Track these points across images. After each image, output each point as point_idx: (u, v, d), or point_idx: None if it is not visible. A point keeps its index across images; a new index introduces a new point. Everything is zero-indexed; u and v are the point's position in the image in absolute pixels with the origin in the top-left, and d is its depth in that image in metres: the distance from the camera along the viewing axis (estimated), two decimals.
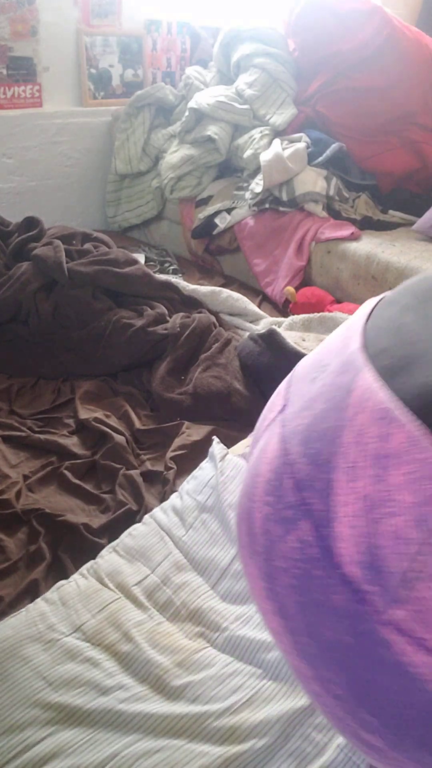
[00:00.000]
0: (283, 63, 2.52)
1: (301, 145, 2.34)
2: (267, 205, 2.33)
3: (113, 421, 1.52)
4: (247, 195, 2.39)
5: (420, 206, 2.38)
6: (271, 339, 1.57)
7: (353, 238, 2.19)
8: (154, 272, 2.09)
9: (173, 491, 1.28)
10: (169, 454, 1.41)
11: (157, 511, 1.18)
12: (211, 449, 1.30)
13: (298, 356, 1.50)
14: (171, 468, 1.37)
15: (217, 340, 1.75)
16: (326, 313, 1.83)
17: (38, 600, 1.00)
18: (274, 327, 1.63)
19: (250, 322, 1.97)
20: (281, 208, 2.31)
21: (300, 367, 0.44)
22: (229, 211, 2.40)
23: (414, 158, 2.43)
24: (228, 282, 2.40)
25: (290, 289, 2.14)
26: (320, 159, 2.34)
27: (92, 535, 1.20)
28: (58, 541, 1.22)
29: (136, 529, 1.14)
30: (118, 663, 0.90)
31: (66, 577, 1.07)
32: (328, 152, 2.34)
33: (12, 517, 1.25)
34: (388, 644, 0.30)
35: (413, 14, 3.19)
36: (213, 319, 1.84)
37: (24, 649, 0.90)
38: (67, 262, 1.82)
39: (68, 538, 1.21)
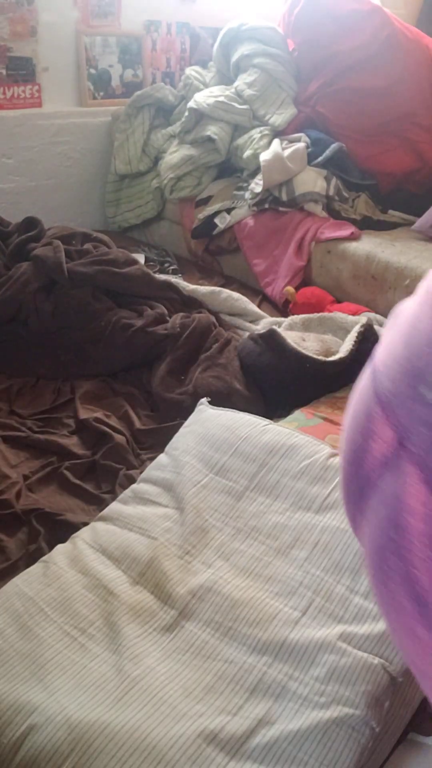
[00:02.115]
0: (282, 63, 2.52)
1: (301, 145, 2.34)
2: (267, 205, 2.32)
3: (113, 421, 1.52)
4: (247, 195, 2.39)
5: (419, 206, 2.38)
6: (271, 339, 1.57)
7: (353, 237, 2.18)
8: (154, 272, 2.09)
9: None
10: None
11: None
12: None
13: (298, 356, 1.49)
14: None
15: (217, 340, 1.74)
16: (326, 313, 1.83)
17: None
18: (274, 327, 1.63)
19: (250, 322, 1.96)
20: (281, 208, 2.31)
21: None
22: (228, 211, 2.40)
23: (414, 158, 2.43)
24: (228, 282, 2.39)
25: (290, 289, 2.14)
26: (320, 159, 2.34)
27: None
28: (58, 541, 1.21)
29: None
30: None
31: None
32: (327, 152, 2.34)
33: (12, 517, 1.25)
34: None
35: (413, 14, 3.18)
36: (213, 319, 1.84)
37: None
38: (66, 263, 1.82)
39: (68, 538, 1.21)
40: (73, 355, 1.75)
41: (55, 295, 1.79)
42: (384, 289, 2.08)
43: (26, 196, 2.64)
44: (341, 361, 1.47)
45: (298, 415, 1.37)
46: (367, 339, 1.55)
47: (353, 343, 1.50)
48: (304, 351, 1.51)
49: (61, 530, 1.22)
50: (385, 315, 2.03)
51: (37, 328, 1.76)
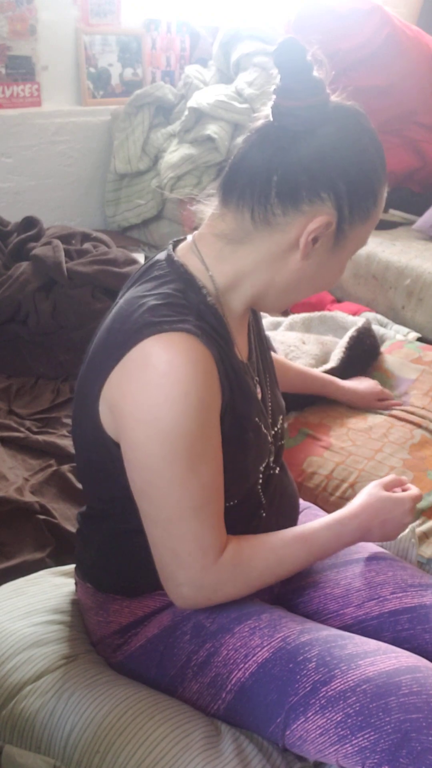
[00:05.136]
0: None
1: None
2: None
3: None
4: None
5: (420, 205, 2.37)
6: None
7: None
8: None
9: None
10: None
11: None
12: None
13: None
14: None
15: None
16: (327, 312, 1.82)
17: None
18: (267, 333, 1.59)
19: None
20: None
21: None
22: None
23: (414, 157, 2.43)
24: None
25: None
26: None
27: None
28: (58, 540, 1.21)
29: None
30: None
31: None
32: None
33: (13, 513, 1.24)
34: None
35: (413, 13, 3.18)
36: None
37: None
38: (66, 262, 1.81)
39: (66, 544, 1.21)
40: (73, 354, 1.74)
41: (54, 295, 1.78)
42: (384, 288, 2.07)
43: (26, 195, 2.64)
44: (330, 371, 1.41)
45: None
46: (362, 342, 1.52)
47: (343, 350, 1.46)
48: (302, 354, 1.49)
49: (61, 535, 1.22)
50: (386, 315, 2.02)
51: (37, 327, 1.75)
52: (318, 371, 1.34)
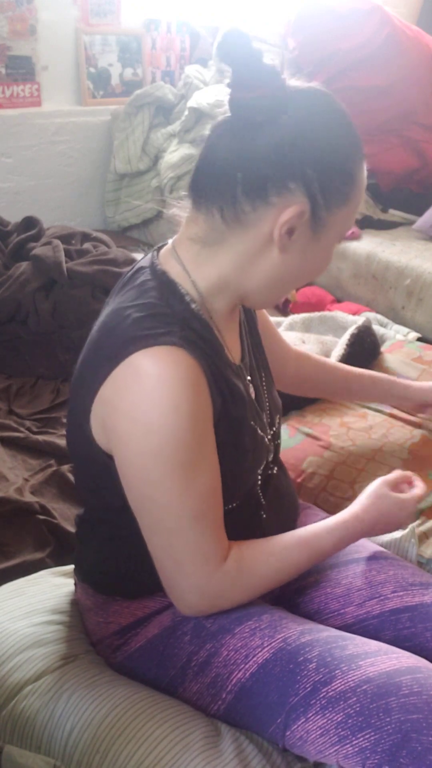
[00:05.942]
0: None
1: None
2: None
3: None
4: None
5: (420, 205, 2.37)
6: None
7: (353, 237, 2.18)
8: None
9: None
10: None
11: None
12: None
13: None
14: None
15: None
16: (327, 312, 1.82)
17: None
18: None
19: None
20: None
21: None
22: None
23: (414, 157, 2.42)
24: None
25: None
26: None
27: None
28: (58, 540, 1.21)
29: None
30: None
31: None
32: None
33: (13, 513, 1.24)
34: None
35: (413, 13, 3.18)
36: None
37: None
38: (66, 262, 1.81)
39: (66, 544, 1.21)
40: (73, 355, 1.74)
41: (54, 295, 1.78)
42: (384, 288, 2.07)
43: (25, 195, 2.64)
44: None
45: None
46: (363, 341, 1.52)
47: (344, 348, 1.46)
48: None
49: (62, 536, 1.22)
50: (386, 315, 2.02)
51: (37, 327, 1.75)
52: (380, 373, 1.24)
